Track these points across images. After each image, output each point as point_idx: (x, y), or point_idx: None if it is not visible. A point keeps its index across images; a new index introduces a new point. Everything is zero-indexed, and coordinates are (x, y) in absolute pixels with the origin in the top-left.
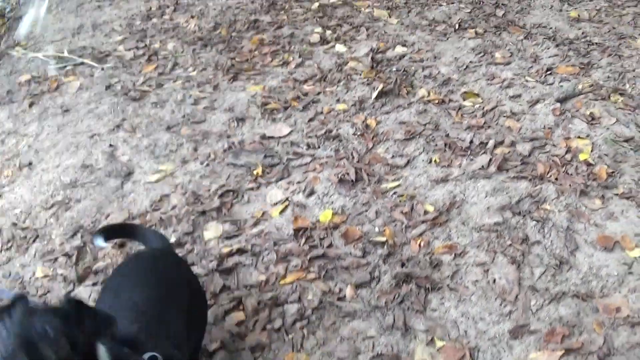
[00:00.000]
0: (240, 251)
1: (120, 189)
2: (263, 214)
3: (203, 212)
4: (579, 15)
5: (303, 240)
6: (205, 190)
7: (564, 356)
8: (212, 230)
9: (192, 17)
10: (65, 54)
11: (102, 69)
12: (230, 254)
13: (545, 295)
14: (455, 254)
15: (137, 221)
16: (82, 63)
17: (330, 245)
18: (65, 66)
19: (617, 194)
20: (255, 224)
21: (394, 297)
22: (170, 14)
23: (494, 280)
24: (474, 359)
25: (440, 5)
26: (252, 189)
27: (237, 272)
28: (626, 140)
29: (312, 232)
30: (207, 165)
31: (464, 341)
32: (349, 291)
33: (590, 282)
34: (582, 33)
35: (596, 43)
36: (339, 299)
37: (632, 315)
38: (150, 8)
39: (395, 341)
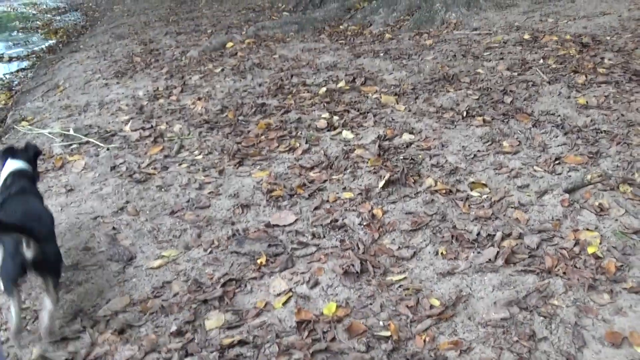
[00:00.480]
0: (242, 342)
1: (122, 274)
2: (266, 304)
3: (205, 301)
4: (587, 102)
5: (306, 333)
6: (208, 278)
7: None
8: (213, 320)
9: (199, 99)
10: (71, 132)
11: (108, 149)
12: (232, 345)
13: None
14: (460, 350)
15: (137, 307)
16: (88, 142)
17: (333, 339)
18: (70, 144)
19: (625, 288)
20: (258, 315)
21: None
22: (177, 95)
23: None
24: None
25: (448, 91)
26: (255, 278)
27: None
28: (635, 232)
29: (315, 325)
30: (211, 252)
31: None
32: None
33: None
34: (591, 120)
35: (605, 131)
36: None
37: None
38: (158, 88)
39: None
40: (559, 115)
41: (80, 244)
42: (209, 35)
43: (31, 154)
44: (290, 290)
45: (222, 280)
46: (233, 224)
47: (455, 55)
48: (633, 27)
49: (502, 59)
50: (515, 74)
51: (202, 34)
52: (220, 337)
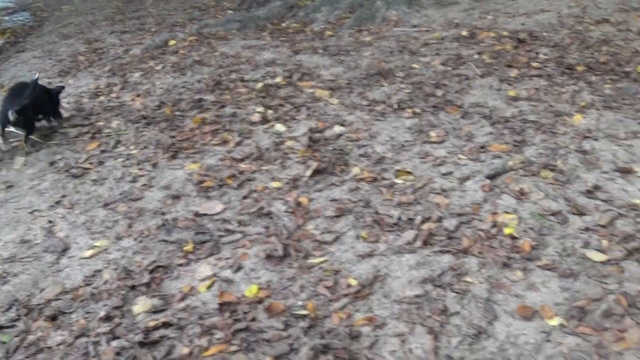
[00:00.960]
0: (167, 324)
1: (56, 264)
2: (191, 289)
3: (133, 287)
4: (517, 94)
5: (227, 314)
6: (137, 266)
7: None
8: (141, 305)
9: (138, 95)
10: (11, 129)
11: (48, 145)
12: (156, 328)
13: None
14: (374, 326)
15: (69, 295)
16: (29, 139)
17: (253, 319)
18: (12, 141)
19: (539, 266)
20: (183, 299)
21: None
22: (117, 92)
23: (411, 350)
24: None
25: (382, 86)
26: (182, 264)
27: (162, 345)
28: (553, 214)
29: (237, 306)
30: (141, 241)
31: None
32: None
33: (507, 350)
34: (519, 111)
35: (532, 121)
36: None
37: None
38: (99, 86)
39: None
40: (488, 107)
41: (18, 237)
42: (153, 33)
43: (58, 90)
44: (215, 275)
45: (150, 268)
46: (163, 214)
47: (392, 52)
48: (571, 24)
49: (438, 54)
50: (450, 68)
51: (146, 33)
52: (146, 321)
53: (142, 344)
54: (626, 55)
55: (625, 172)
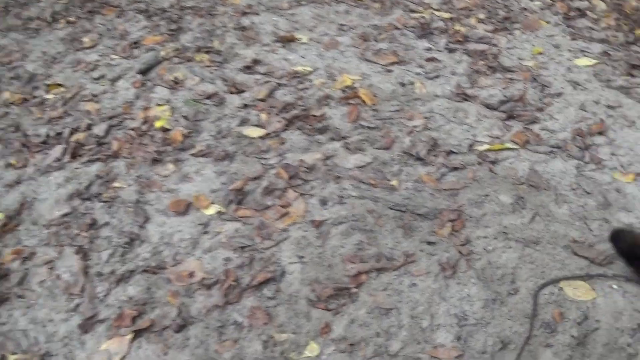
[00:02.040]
0: None
1: None
2: None
3: None
4: None
5: None
6: None
7: (136, 338)
8: None
9: None
10: None
11: None
12: None
13: (111, 278)
14: (22, 258)
15: None
16: None
17: None
18: None
19: (193, 154)
20: None
21: None
22: None
23: (59, 276)
24: None
25: (39, 2)
26: None
27: None
28: (208, 97)
29: None
30: None
31: (35, 349)
32: None
33: (162, 252)
34: (177, 1)
35: (190, 7)
36: None
37: (207, 277)
38: None
39: None
40: (145, 2)
41: None
42: None
43: None
44: None
45: None
46: None
47: None
48: None
49: None
50: None
51: None
52: None
53: None
54: None
55: (287, 40)
